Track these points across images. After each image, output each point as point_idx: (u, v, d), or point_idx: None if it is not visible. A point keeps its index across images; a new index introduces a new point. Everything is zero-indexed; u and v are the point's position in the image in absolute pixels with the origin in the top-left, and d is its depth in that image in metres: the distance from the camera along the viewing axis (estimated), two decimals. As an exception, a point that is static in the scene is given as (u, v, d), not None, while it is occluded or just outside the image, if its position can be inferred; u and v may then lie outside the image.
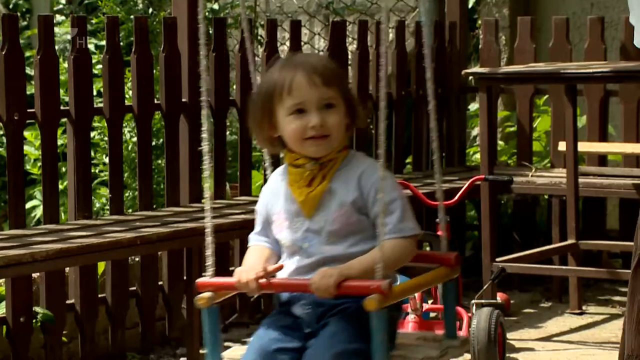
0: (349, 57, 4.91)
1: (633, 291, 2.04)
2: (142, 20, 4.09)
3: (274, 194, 2.38)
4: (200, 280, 2.30)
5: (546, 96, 5.15)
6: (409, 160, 5.26)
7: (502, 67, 5.02)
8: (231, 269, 3.27)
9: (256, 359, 2.24)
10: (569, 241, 4.44)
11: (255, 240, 2.40)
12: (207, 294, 2.27)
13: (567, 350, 4.02)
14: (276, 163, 2.52)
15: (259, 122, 2.35)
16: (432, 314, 3.84)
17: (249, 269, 2.26)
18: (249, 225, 3.77)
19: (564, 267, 4.51)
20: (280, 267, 2.31)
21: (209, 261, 2.35)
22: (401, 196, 2.28)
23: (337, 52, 4.73)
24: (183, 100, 4.08)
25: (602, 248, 4.49)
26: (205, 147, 2.42)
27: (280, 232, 2.35)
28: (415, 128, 5.18)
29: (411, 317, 3.75)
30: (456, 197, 4.10)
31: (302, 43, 4.76)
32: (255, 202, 4.00)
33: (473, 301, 3.81)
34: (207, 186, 2.56)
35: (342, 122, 2.32)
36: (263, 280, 2.22)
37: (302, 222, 2.31)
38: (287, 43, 4.65)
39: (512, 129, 5.33)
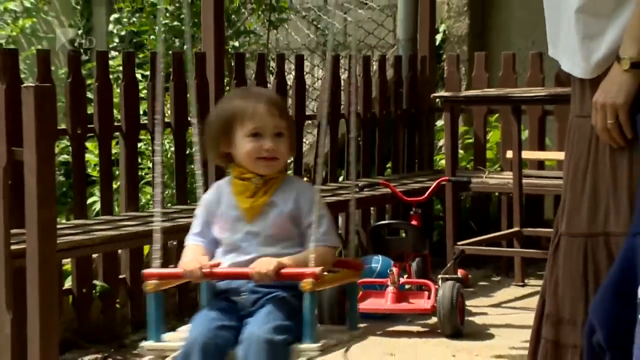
0: (342, 84, 4.92)
1: (552, 265, 2.05)
2: (178, 55, 4.10)
3: (217, 202, 2.28)
4: (146, 270, 2.23)
5: (497, 114, 5.17)
6: (389, 165, 5.27)
7: (462, 92, 5.03)
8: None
9: (202, 332, 2.12)
10: (515, 229, 4.46)
11: (193, 240, 2.29)
12: (154, 282, 2.17)
13: (512, 315, 4.04)
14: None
15: (217, 138, 2.28)
16: (407, 287, 3.86)
17: (192, 261, 2.18)
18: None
19: (510, 249, 4.53)
20: (218, 264, 2.22)
21: (156, 255, 2.29)
22: (328, 214, 2.24)
23: (333, 80, 4.75)
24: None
25: (540, 234, 4.50)
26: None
27: (222, 233, 2.25)
28: (394, 140, 5.20)
29: (390, 289, 3.76)
30: (426, 195, 4.12)
31: (305, 72, 4.77)
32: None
33: (439, 276, 3.82)
34: (157, 191, 2.39)
35: (287, 150, 2.26)
36: (207, 270, 2.14)
37: (243, 226, 2.22)
38: (293, 73, 4.65)
39: (470, 140, 5.34)
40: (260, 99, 2.25)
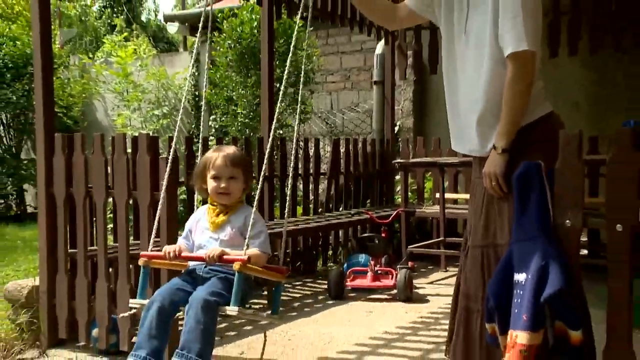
0: (341, 155, 4.93)
1: (463, 265, 2.04)
2: (247, 139, 4.10)
3: (198, 218, 2.09)
4: (142, 253, 2.05)
5: (430, 172, 5.16)
6: (368, 201, 5.25)
7: (410, 159, 5.03)
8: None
9: (164, 290, 1.94)
10: (441, 238, 4.40)
11: (180, 240, 2.10)
12: (144, 259, 2.00)
13: (440, 288, 3.98)
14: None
15: (198, 179, 2.10)
16: (379, 272, 3.82)
17: (170, 247, 2.01)
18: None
19: (438, 250, 4.45)
20: (184, 252, 2.01)
21: (151, 244, 2.09)
22: (265, 230, 2.01)
23: (335, 153, 4.76)
24: (266, 174, 4.10)
25: (455, 242, 4.44)
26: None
27: (197, 237, 2.06)
28: (371, 186, 5.18)
29: (370, 273, 3.73)
30: (390, 219, 4.10)
31: (320, 148, 4.77)
32: (299, 221, 4.02)
33: (398, 266, 3.79)
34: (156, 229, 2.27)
35: (239, 188, 2.05)
36: (176, 253, 1.97)
37: (208, 233, 2.03)
38: (313, 149, 4.66)
39: (414, 187, 5.33)
40: (221, 153, 2.06)
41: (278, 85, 5.80)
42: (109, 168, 2.77)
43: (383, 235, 3.98)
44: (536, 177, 1.77)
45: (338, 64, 6.85)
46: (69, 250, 2.83)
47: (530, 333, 1.65)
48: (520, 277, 1.72)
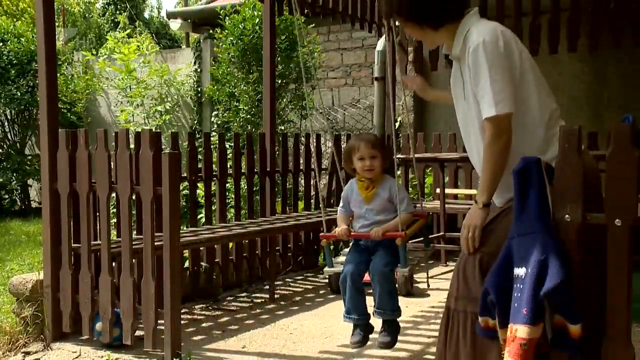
0: (342, 149, 4.91)
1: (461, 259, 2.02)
2: (249, 134, 4.10)
3: (350, 191, 2.44)
4: (321, 234, 2.41)
5: (430, 167, 5.15)
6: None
7: (411, 154, 5.03)
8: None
9: (351, 266, 2.34)
10: (441, 233, 4.39)
11: (340, 210, 2.46)
12: (325, 240, 2.39)
13: (440, 282, 3.98)
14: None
15: (347, 162, 2.45)
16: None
17: (341, 228, 2.39)
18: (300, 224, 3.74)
19: (439, 245, 4.44)
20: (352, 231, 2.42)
21: (324, 227, 2.49)
22: (407, 194, 2.42)
23: (337, 147, 4.74)
24: (268, 169, 4.09)
25: (455, 237, 4.42)
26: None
27: (354, 208, 2.42)
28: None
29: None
30: (390, 213, 4.10)
31: (321, 144, 4.75)
32: (301, 216, 4.03)
33: (398, 260, 3.79)
34: (322, 205, 2.66)
35: (380, 164, 2.40)
36: (348, 232, 2.37)
37: (364, 205, 2.39)
38: (314, 144, 4.65)
39: (415, 182, 5.32)
40: (362, 139, 2.42)
41: (280, 81, 5.79)
42: (112, 163, 2.77)
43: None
44: (535, 173, 1.75)
45: (339, 60, 6.83)
46: (73, 245, 2.83)
47: (530, 327, 1.64)
48: (520, 271, 1.72)
